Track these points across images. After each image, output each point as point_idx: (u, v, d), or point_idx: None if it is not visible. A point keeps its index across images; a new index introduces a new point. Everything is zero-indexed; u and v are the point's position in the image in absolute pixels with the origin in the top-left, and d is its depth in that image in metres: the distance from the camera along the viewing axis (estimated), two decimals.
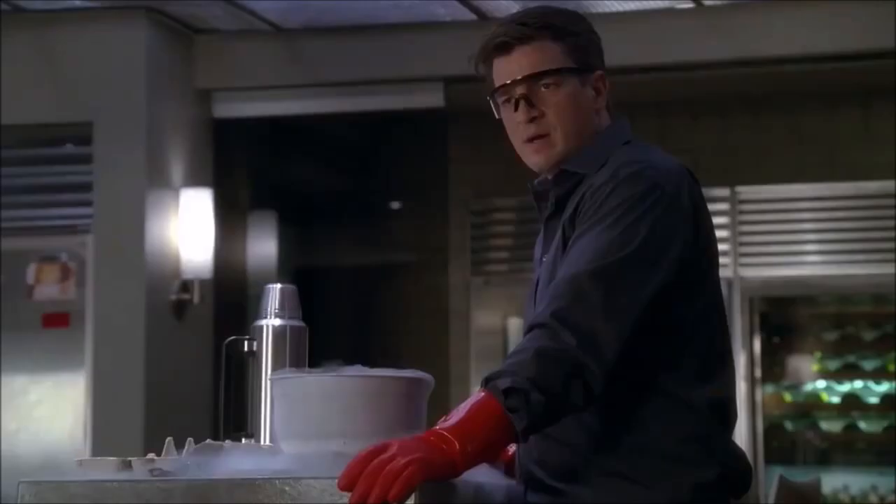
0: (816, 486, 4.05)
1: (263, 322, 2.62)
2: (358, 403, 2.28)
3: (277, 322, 2.62)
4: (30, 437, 6.84)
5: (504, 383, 2.13)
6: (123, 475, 2.32)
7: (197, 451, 2.41)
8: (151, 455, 2.38)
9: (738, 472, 2.36)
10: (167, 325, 6.91)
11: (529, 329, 2.23)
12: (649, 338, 2.28)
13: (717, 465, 2.32)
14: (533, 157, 2.46)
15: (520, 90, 2.43)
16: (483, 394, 2.14)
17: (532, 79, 2.42)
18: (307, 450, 2.27)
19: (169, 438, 2.45)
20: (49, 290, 6.93)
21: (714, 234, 2.42)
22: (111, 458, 2.39)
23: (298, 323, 2.63)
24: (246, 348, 2.62)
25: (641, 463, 2.29)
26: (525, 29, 2.43)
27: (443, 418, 2.15)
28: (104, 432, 6.67)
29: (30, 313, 6.91)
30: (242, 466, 2.30)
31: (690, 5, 6.88)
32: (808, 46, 6.84)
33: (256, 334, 2.62)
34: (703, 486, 2.30)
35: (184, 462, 2.34)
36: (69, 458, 2.49)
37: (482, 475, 2.19)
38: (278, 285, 2.65)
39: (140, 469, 2.33)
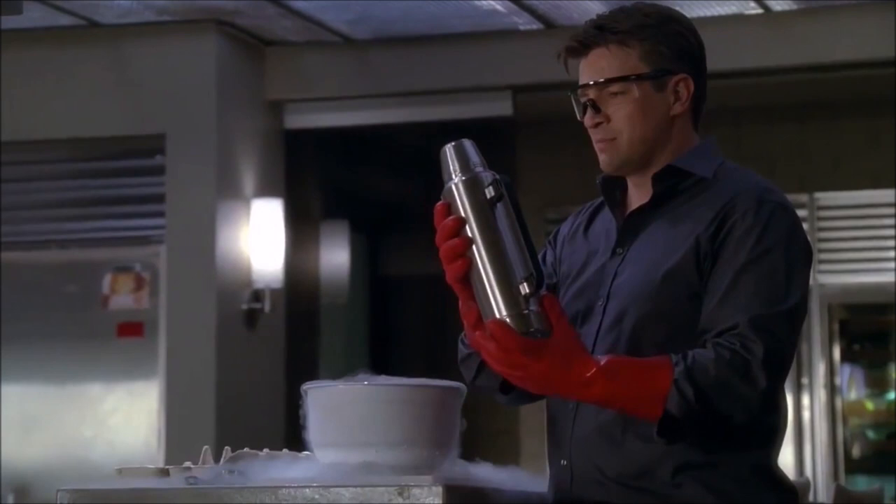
0: (878, 495, 4.00)
1: (490, 173, 2.33)
2: (391, 412, 2.29)
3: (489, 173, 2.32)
4: (105, 444, 6.93)
5: (679, 404, 2.18)
6: (159, 483, 2.36)
7: (233, 460, 2.44)
8: (188, 463, 2.41)
9: (792, 500, 2.38)
10: (239, 335, 6.96)
11: (732, 351, 2.21)
12: None
13: (776, 491, 2.34)
14: (600, 156, 2.43)
15: (589, 95, 2.40)
16: (664, 385, 2.18)
17: (601, 85, 2.38)
18: (341, 459, 2.28)
19: (206, 447, 2.48)
20: (123, 299, 7.02)
21: None
22: (149, 467, 2.43)
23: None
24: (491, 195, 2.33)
25: (711, 484, 2.28)
26: (597, 32, 2.39)
27: (612, 358, 2.22)
28: (177, 440, 6.73)
29: (105, 323, 7.00)
30: (277, 474, 2.32)
31: (759, 11, 6.83)
32: (878, 51, 6.74)
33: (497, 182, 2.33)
34: None
35: (219, 470, 2.36)
36: (143, 465, 2.52)
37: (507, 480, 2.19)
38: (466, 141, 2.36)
39: (177, 477, 2.36)
